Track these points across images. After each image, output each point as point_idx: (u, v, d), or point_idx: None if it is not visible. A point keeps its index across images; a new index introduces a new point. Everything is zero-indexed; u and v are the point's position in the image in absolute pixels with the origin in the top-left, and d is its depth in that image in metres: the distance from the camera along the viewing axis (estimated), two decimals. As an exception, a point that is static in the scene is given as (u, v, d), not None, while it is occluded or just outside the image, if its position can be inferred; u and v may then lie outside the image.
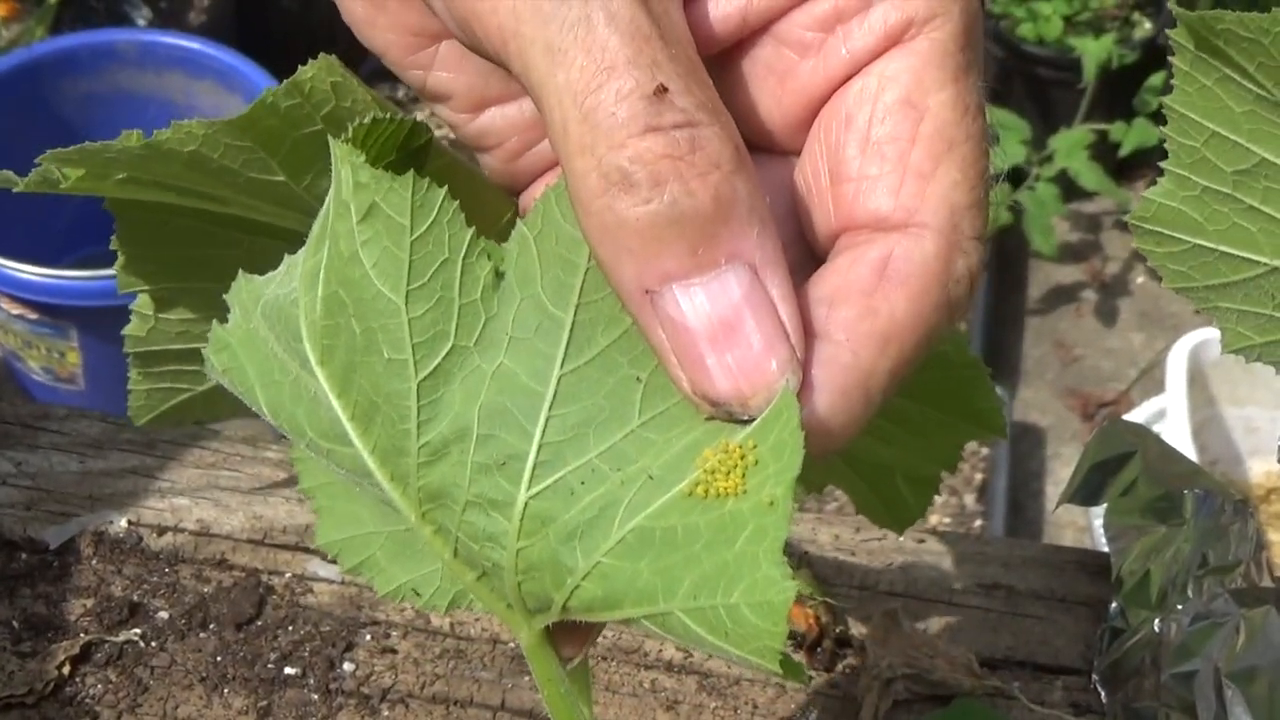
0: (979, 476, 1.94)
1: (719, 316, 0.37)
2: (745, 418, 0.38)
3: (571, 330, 0.40)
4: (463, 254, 0.40)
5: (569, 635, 0.43)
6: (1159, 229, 0.48)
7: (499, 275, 0.40)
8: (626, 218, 0.36)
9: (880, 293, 0.39)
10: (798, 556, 0.74)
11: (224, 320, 0.46)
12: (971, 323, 2.11)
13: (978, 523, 1.88)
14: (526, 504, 0.40)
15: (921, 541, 0.75)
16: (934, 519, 1.87)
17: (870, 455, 0.60)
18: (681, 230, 0.36)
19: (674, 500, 0.38)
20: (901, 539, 0.75)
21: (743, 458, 0.38)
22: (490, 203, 0.46)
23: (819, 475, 0.62)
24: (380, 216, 0.40)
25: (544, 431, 0.40)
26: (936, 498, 2.10)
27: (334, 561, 0.71)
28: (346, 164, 0.40)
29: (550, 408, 0.40)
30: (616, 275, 0.37)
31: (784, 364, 0.37)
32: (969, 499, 1.92)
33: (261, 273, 0.45)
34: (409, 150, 0.45)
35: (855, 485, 0.62)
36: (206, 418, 0.63)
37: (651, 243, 0.36)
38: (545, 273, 0.40)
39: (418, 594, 0.46)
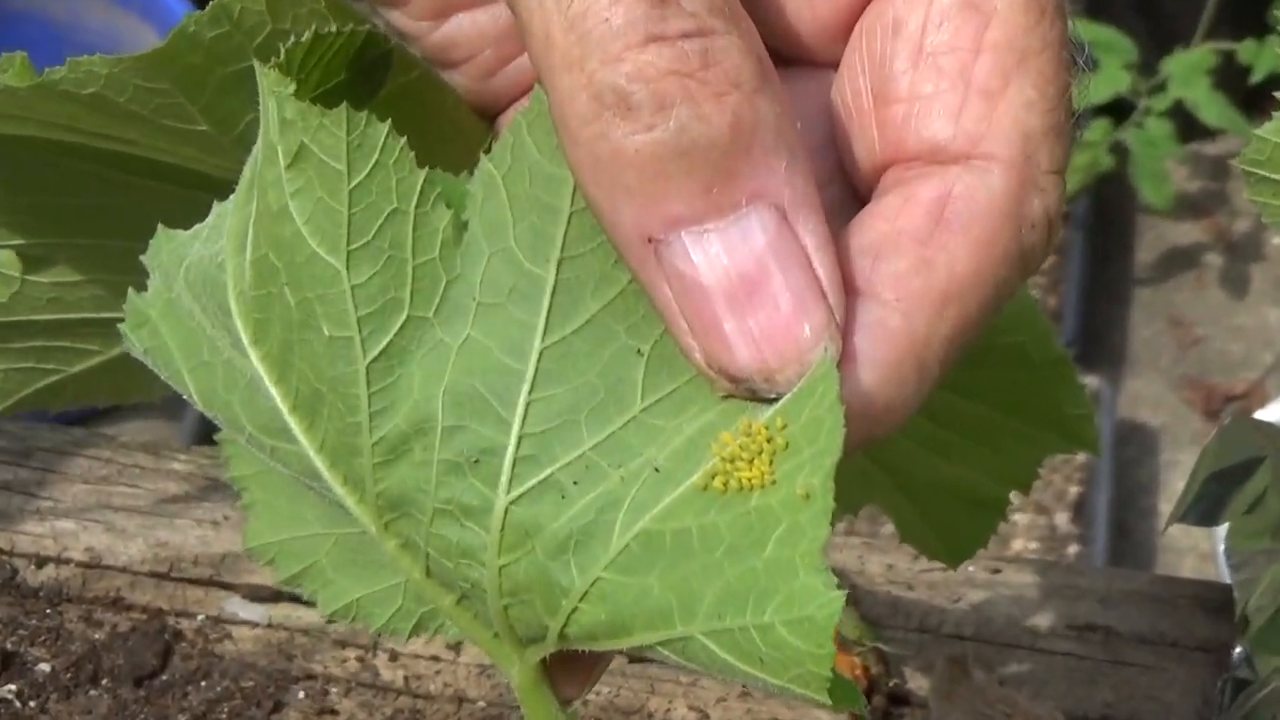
0: (1074, 490, 1.95)
1: (739, 270, 0.37)
2: (772, 396, 0.38)
3: (554, 292, 0.40)
4: (414, 202, 0.40)
5: (570, 670, 0.44)
6: (1276, 175, 0.48)
7: (461, 227, 0.41)
8: (624, 149, 0.36)
9: (937, 241, 0.39)
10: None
11: (115, 286, 0.47)
12: (1064, 296, 2.11)
13: (1072, 548, 1.88)
14: (507, 510, 0.41)
15: (997, 572, 0.75)
16: (1016, 544, 1.87)
17: (922, 470, 0.60)
18: (692, 164, 0.37)
19: (686, 496, 0.39)
20: (972, 568, 0.75)
21: (769, 441, 0.38)
22: (474, 128, 0.47)
23: (856, 492, 0.63)
24: (311, 161, 0.40)
25: (524, 420, 0.40)
26: (1019, 517, 2.08)
27: (258, 599, 0.72)
28: (272, 96, 0.41)
29: (531, 390, 0.40)
30: (612, 221, 0.38)
31: (819, 329, 0.38)
32: (1061, 518, 1.92)
33: (172, 226, 0.46)
34: (363, 66, 0.45)
35: (900, 506, 0.63)
36: (78, 403, 0.64)
37: (655, 180, 0.37)
38: (519, 221, 0.40)
39: (374, 614, 0.46)
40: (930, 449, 0.59)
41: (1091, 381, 1.99)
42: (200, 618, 0.72)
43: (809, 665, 0.37)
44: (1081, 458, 1.96)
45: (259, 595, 0.72)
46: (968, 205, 0.39)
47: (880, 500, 0.64)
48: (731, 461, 0.38)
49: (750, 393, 0.39)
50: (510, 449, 0.40)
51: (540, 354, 0.40)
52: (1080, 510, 1.93)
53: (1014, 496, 0.62)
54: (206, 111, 0.48)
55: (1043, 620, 0.73)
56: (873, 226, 0.40)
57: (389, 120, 0.40)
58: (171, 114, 0.48)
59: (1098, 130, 2.12)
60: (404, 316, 0.41)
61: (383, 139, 0.40)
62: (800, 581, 0.37)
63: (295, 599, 0.72)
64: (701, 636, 0.38)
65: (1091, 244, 2.20)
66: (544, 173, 0.40)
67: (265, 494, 0.49)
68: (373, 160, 0.40)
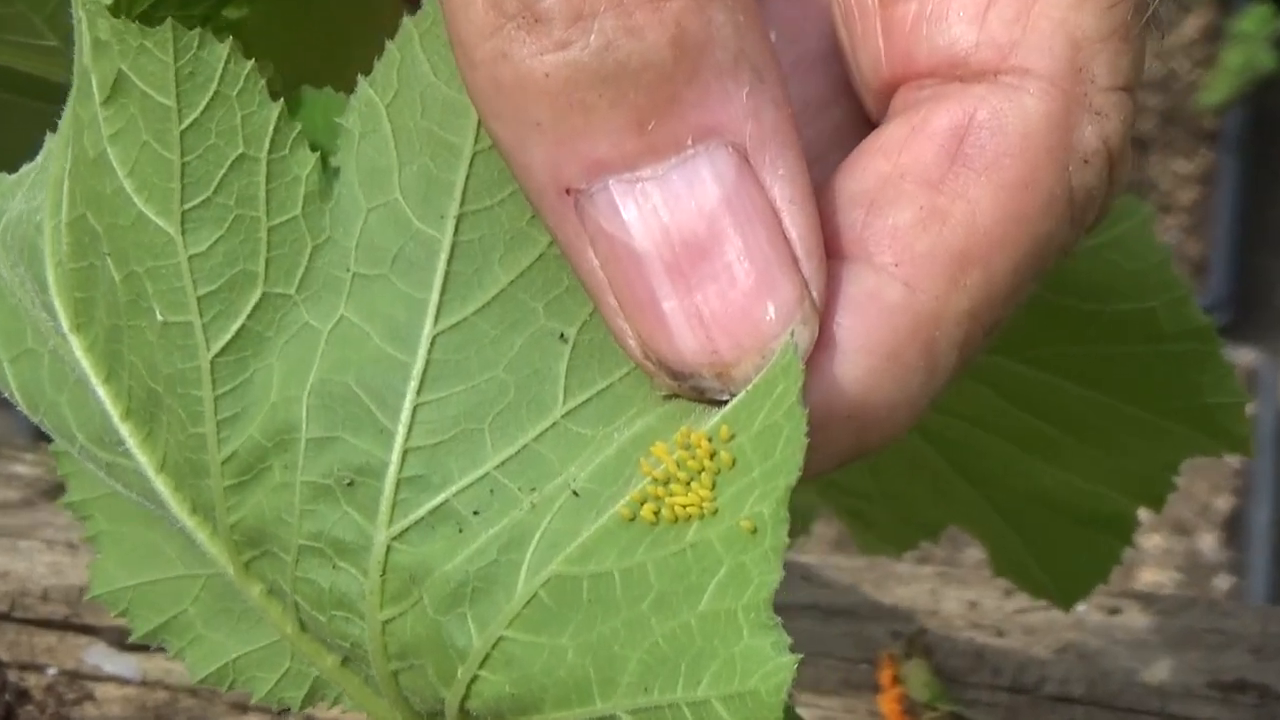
0: (1224, 503, 1.95)
1: (683, 231, 0.37)
2: (725, 396, 0.38)
3: (451, 258, 0.40)
4: (267, 145, 0.41)
5: None
6: None
7: (331, 175, 0.41)
8: (531, 72, 0.36)
9: (952, 183, 0.39)
10: (908, 637, 0.74)
11: None
12: (1211, 242, 2.11)
13: (1220, 581, 1.89)
14: (389, 548, 0.41)
15: (1116, 612, 0.76)
16: (1145, 575, 1.88)
17: (1020, 479, 0.60)
18: (620, 91, 0.37)
19: (609, 530, 0.39)
20: (1084, 608, 0.75)
21: (712, 456, 0.38)
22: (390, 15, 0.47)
23: (931, 510, 0.63)
24: (132, 94, 0.40)
25: (411, 429, 0.41)
26: (1148, 539, 2.10)
27: (128, 647, 0.72)
28: (83, 8, 0.41)
29: (420, 388, 0.41)
30: (521, 165, 0.38)
31: (787, 308, 0.38)
32: (1206, 541, 1.93)
33: (12, 159, 0.46)
34: None
35: (991, 527, 0.63)
36: None
37: (572, 112, 0.37)
38: (406, 164, 0.40)
39: (256, 678, 0.47)
40: (1029, 451, 0.60)
41: (1246, 358, 1.99)
42: (52, 672, 0.72)
43: None
44: (1233, 461, 1.96)
45: (129, 642, 0.73)
46: (994, 136, 0.39)
47: (964, 519, 0.64)
48: (665, 484, 0.38)
49: (697, 391, 0.39)
50: (393, 468, 0.41)
51: (432, 341, 0.41)
52: (1232, 530, 1.94)
53: (1142, 513, 0.62)
54: (53, 23, 0.48)
55: (1177, 676, 0.74)
56: (868, 166, 0.40)
57: (229, 39, 0.40)
58: (15, 27, 0.48)
59: (1254, 19, 2.11)
60: (258, 295, 0.41)
61: (222, 63, 0.40)
62: (743, 644, 0.37)
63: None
64: (625, 716, 0.39)
65: (1247, 172, 2.20)
66: (440, 99, 0.40)
67: (113, 524, 0.49)
68: (210, 92, 0.40)
